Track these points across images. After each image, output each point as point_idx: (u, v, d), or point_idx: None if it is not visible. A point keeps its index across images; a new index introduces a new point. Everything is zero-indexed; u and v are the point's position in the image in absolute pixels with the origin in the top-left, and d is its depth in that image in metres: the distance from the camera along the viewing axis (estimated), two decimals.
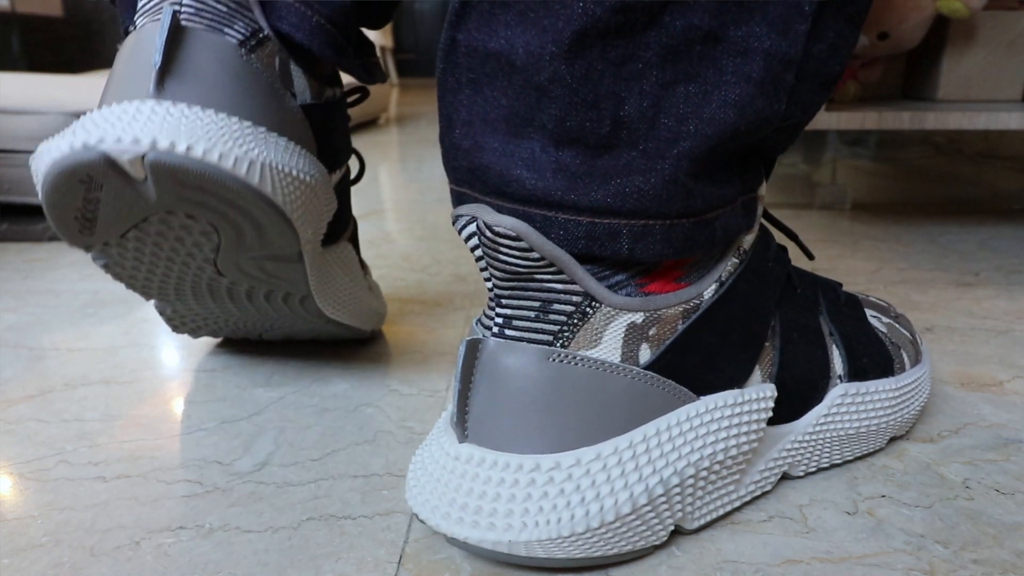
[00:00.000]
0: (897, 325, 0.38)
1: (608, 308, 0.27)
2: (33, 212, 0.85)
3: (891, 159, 1.23)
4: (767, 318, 0.31)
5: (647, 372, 0.27)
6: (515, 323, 0.27)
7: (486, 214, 0.26)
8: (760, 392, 0.30)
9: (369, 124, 2.04)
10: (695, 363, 0.28)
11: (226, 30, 0.34)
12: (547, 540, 0.25)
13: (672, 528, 0.28)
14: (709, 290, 0.28)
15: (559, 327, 0.27)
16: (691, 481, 0.28)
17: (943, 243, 0.73)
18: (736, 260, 0.29)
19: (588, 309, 0.27)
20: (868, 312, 0.38)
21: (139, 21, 0.34)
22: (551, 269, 0.26)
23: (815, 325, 0.33)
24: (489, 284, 0.28)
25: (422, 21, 4.53)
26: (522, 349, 0.26)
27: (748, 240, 0.30)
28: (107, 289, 0.60)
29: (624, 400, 0.27)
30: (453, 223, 0.28)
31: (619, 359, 0.27)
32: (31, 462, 0.34)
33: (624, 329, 0.27)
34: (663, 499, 0.27)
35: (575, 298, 0.27)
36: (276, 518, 0.30)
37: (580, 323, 0.27)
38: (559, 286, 0.27)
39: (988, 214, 0.86)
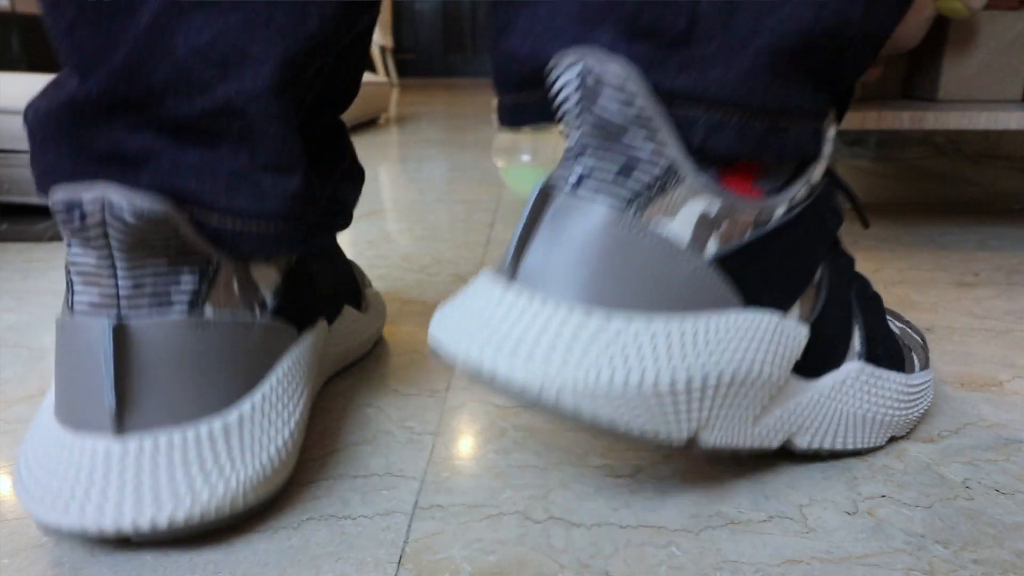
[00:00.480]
0: (909, 330, 0.38)
1: (688, 187, 0.27)
2: (33, 212, 0.85)
3: (891, 159, 1.23)
4: (818, 262, 0.31)
5: (711, 266, 0.27)
6: (591, 179, 0.27)
7: (595, 57, 0.25)
8: (798, 328, 0.30)
9: (369, 124, 2.04)
10: (755, 273, 0.28)
11: None
12: (580, 389, 0.25)
13: (692, 434, 0.28)
14: (781, 208, 0.29)
15: (635, 193, 0.26)
16: (723, 387, 0.28)
17: (943, 243, 0.73)
18: (806, 192, 0.30)
19: (668, 183, 0.26)
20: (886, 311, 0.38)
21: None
22: (644, 130, 0.26)
23: (847, 297, 0.34)
24: (573, 136, 0.27)
25: (422, 21, 4.53)
26: (594, 211, 0.26)
27: (817, 175, 0.30)
28: None
29: (684, 286, 0.27)
30: (546, 73, 0.27)
31: (686, 244, 0.27)
32: None
33: (698, 215, 0.27)
34: (697, 392, 0.27)
35: (658, 169, 0.26)
36: (276, 518, 0.30)
37: (658, 195, 0.26)
38: (647, 150, 0.26)
39: (988, 214, 0.86)
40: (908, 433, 0.36)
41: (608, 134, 0.26)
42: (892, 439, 0.36)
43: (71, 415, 0.27)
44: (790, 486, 0.32)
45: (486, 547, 0.28)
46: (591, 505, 0.31)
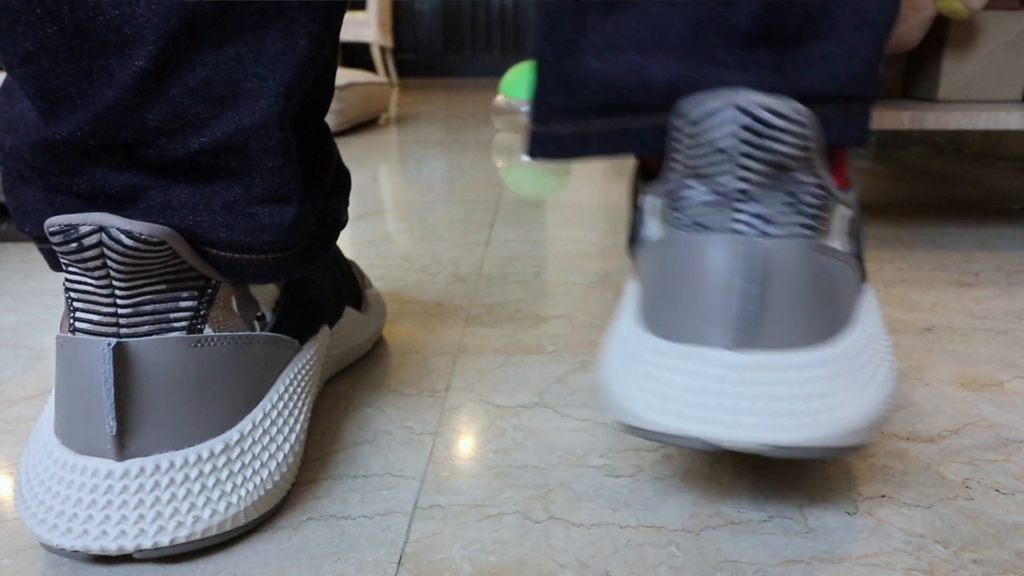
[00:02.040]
0: None
1: (837, 200, 0.27)
2: None
3: (891, 159, 1.23)
4: None
5: (855, 261, 0.28)
6: (775, 219, 0.26)
7: (756, 98, 0.24)
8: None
9: (369, 124, 2.04)
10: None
11: None
12: (873, 419, 0.26)
13: None
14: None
15: (809, 219, 0.26)
16: None
17: (943, 243, 0.73)
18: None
19: (828, 200, 0.26)
20: None
21: None
22: (809, 158, 0.25)
23: None
24: (729, 176, 0.26)
25: (422, 21, 4.53)
26: (796, 248, 0.25)
27: None
28: None
29: (854, 288, 0.28)
30: (693, 118, 0.25)
31: (848, 251, 0.28)
32: None
33: (846, 221, 0.27)
34: None
35: (818, 189, 0.26)
36: (276, 518, 0.30)
37: (824, 214, 0.26)
38: (807, 177, 0.26)
39: (988, 214, 0.86)
40: (908, 433, 0.36)
41: (779, 168, 0.25)
42: (891, 437, 0.36)
43: (72, 436, 0.26)
44: (790, 486, 0.32)
45: (486, 547, 0.28)
46: (591, 505, 0.31)
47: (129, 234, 0.25)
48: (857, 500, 0.31)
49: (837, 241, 0.27)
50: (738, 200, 0.26)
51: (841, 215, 0.27)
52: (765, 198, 0.26)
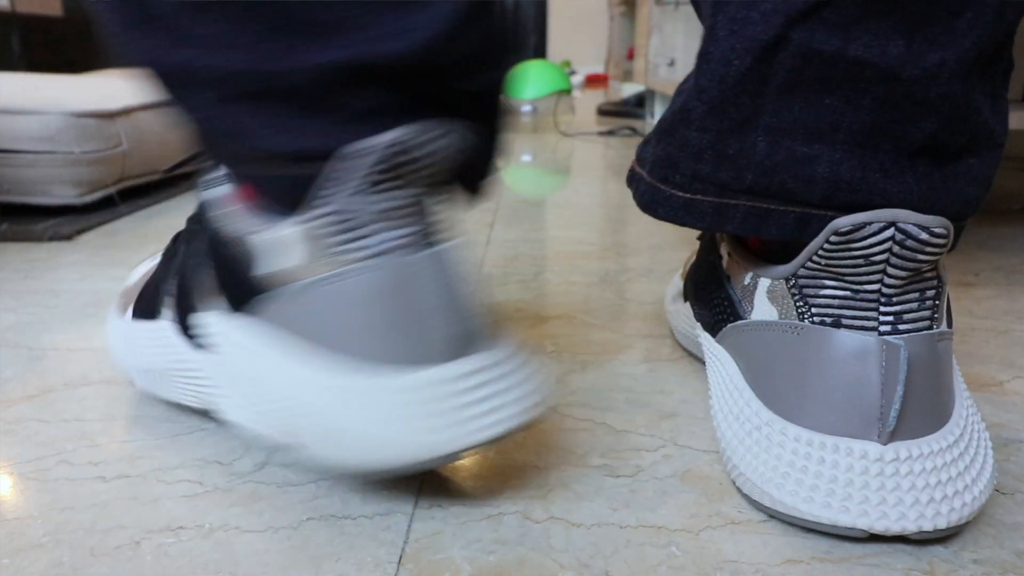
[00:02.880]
0: None
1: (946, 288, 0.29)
2: (33, 212, 0.85)
3: None
4: None
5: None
6: (905, 317, 0.28)
7: (913, 218, 0.26)
8: None
9: None
10: None
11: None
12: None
13: None
14: None
15: (932, 311, 0.28)
16: None
17: None
18: None
19: (943, 290, 0.28)
20: None
21: None
22: (937, 263, 0.28)
23: None
24: (884, 287, 0.28)
25: None
26: (927, 340, 0.28)
27: None
28: (107, 289, 0.60)
29: (952, 359, 0.30)
30: (848, 233, 0.27)
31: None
32: (31, 462, 0.34)
33: (944, 302, 0.30)
34: None
35: (939, 283, 0.28)
36: (276, 518, 0.30)
37: (940, 303, 0.29)
38: (931, 275, 0.28)
39: (988, 214, 0.86)
40: None
41: (918, 273, 0.28)
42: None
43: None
44: None
45: (486, 547, 0.28)
46: (591, 505, 0.31)
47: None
48: None
49: (944, 322, 0.29)
50: (879, 302, 0.28)
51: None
52: (900, 298, 0.28)
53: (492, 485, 0.32)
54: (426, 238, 0.28)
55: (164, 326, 0.35)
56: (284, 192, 0.27)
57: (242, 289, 0.29)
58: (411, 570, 0.27)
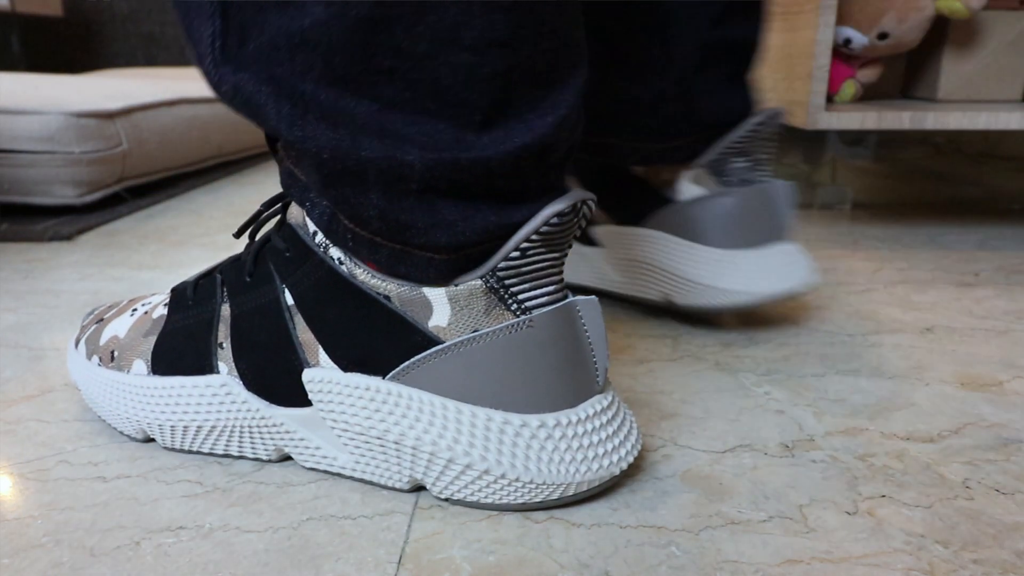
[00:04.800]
0: None
1: None
2: (33, 212, 0.85)
3: (891, 159, 1.23)
4: None
5: None
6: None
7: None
8: None
9: None
10: None
11: None
12: None
13: None
14: None
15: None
16: None
17: (943, 243, 0.73)
18: None
19: None
20: None
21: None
22: None
23: None
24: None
25: None
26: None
27: None
28: (107, 289, 0.60)
29: None
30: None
31: None
32: (31, 462, 0.34)
33: None
34: None
35: None
36: (276, 518, 0.30)
37: None
38: None
39: (988, 214, 0.86)
40: (908, 433, 0.36)
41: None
42: (891, 437, 0.36)
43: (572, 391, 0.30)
44: (790, 486, 0.32)
45: (486, 547, 0.28)
46: (591, 505, 0.31)
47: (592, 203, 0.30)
48: (857, 500, 0.31)
49: None
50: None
51: None
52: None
53: None
54: (564, 290, 0.31)
55: (224, 380, 0.33)
56: (452, 266, 0.29)
57: (383, 347, 0.30)
58: (411, 570, 0.27)
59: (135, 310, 0.38)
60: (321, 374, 0.31)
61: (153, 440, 0.36)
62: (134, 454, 0.35)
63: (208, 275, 0.36)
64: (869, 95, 0.87)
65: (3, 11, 1.82)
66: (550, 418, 0.29)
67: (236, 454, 0.34)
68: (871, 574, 0.26)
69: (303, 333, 0.32)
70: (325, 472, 0.33)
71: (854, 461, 0.34)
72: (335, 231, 0.30)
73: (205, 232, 0.80)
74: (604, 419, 0.31)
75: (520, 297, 0.29)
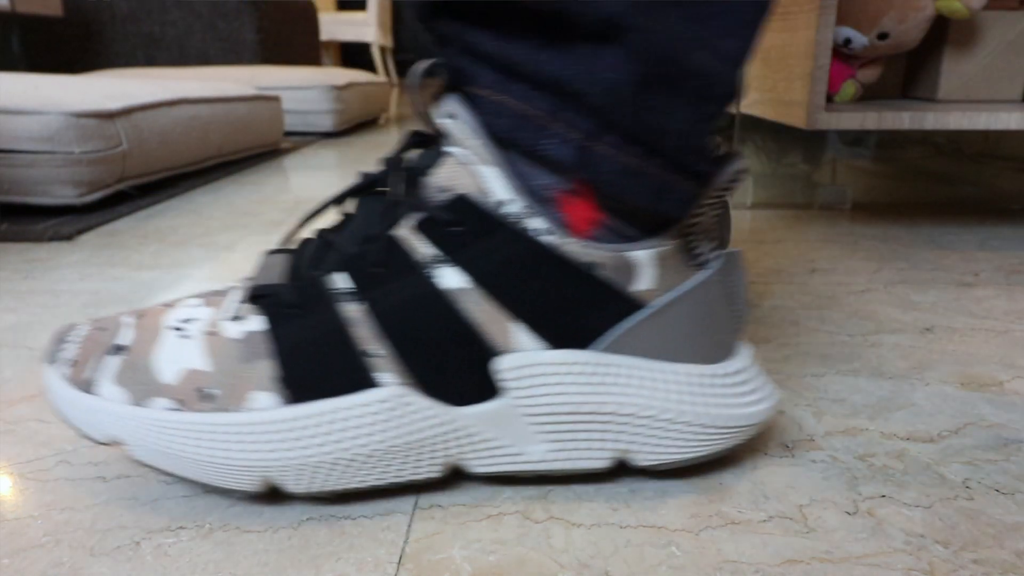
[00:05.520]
0: None
1: None
2: (33, 212, 0.85)
3: (891, 159, 1.23)
4: None
5: None
6: None
7: None
8: None
9: (369, 124, 2.04)
10: None
11: None
12: None
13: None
14: None
15: None
16: None
17: (943, 243, 0.73)
18: None
19: None
20: None
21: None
22: None
23: None
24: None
25: None
26: None
27: None
28: (107, 289, 0.60)
29: None
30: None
31: None
32: (31, 462, 0.34)
33: None
34: None
35: None
36: (276, 518, 0.30)
37: None
38: None
39: (988, 214, 0.86)
40: (908, 433, 0.36)
41: None
42: (891, 437, 0.36)
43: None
44: (790, 486, 0.32)
45: (486, 547, 0.28)
46: (591, 505, 0.31)
47: None
48: (857, 500, 0.31)
49: None
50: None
51: None
52: None
53: (492, 485, 0.32)
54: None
55: (393, 392, 0.29)
56: (654, 221, 0.30)
57: (590, 318, 0.30)
58: (411, 570, 0.27)
59: (181, 330, 0.31)
60: (521, 358, 0.29)
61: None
62: None
63: (296, 273, 0.31)
64: (869, 95, 0.87)
65: (3, 11, 1.82)
66: (730, 365, 0.31)
67: (388, 481, 0.30)
68: (871, 574, 0.26)
69: (486, 317, 0.28)
70: (503, 474, 0.31)
71: (854, 461, 0.34)
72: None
73: (205, 232, 0.80)
74: (758, 361, 0.33)
75: (696, 252, 0.31)
